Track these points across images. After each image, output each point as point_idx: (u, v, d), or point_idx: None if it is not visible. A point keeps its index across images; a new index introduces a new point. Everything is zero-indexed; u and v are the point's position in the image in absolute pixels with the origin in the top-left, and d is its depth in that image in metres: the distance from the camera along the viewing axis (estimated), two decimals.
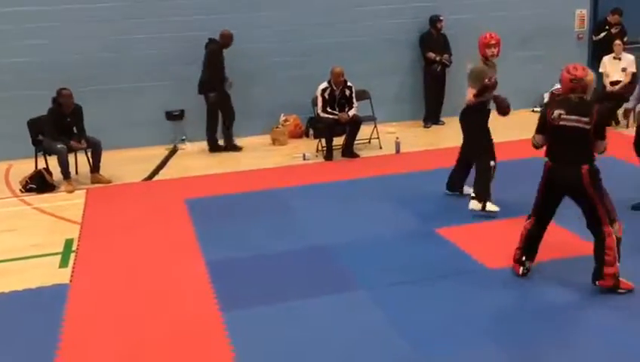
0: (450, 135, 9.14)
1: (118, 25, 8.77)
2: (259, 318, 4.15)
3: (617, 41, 9.19)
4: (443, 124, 9.75)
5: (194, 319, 4.18)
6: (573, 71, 4.22)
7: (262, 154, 8.56)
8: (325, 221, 5.84)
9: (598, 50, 9.81)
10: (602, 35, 9.92)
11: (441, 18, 9.42)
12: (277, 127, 9.12)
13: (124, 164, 8.06)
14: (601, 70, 9.19)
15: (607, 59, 9.15)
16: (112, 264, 5.14)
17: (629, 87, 8.94)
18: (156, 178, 7.67)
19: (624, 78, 8.95)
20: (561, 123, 4.18)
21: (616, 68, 9.05)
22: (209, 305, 4.35)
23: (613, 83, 8.97)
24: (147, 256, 5.27)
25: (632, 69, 9.05)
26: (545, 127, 4.34)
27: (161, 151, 8.73)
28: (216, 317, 4.18)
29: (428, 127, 9.68)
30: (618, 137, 8.51)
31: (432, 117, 9.74)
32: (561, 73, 4.32)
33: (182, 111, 9.04)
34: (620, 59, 9.06)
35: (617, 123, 9.02)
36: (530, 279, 4.47)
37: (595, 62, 9.83)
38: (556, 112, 4.20)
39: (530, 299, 4.22)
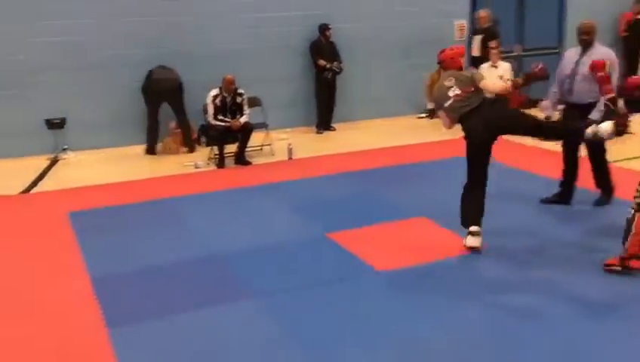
0: (341, 140, 9.33)
1: None
2: (148, 333, 4.00)
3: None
4: (334, 129, 9.93)
5: (78, 338, 3.96)
6: None
7: (152, 163, 8.32)
8: (218, 229, 5.75)
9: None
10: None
11: (330, 27, 9.59)
12: (167, 136, 8.89)
13: (1, 176, 7.54)
14: None
15: (485, 67, 9.66)
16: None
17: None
18: (35, 190, 7.23)
19: None
20: None
21: (493, 75, 9.56)
22: (94, 322, 4.14)
23: None
24: (26, 273, 4.95)
25: (508, 76, 9.61)
26: None
27: (42, 162, 8.25)
28: (102, 334, 3.99)
29: (320, 133, 9.82)
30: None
31: (323, 123, 9.90)
32: None
33: (63, 120, 8.59)
34: (496, 67, 9.60)
35: None
36: (417, 281, 4.62)
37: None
38: None
39: (417, 299, 4.36)
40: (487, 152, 5.02)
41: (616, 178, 6.04)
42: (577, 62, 5.72)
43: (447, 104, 5.06)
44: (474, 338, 3.86)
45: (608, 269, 4.57)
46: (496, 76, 9.55)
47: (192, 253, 5.20)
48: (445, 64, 5.30)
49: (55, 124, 8.55)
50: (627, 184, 5.10)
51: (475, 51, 10.03)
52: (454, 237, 5.32)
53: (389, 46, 10.40)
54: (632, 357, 3.65)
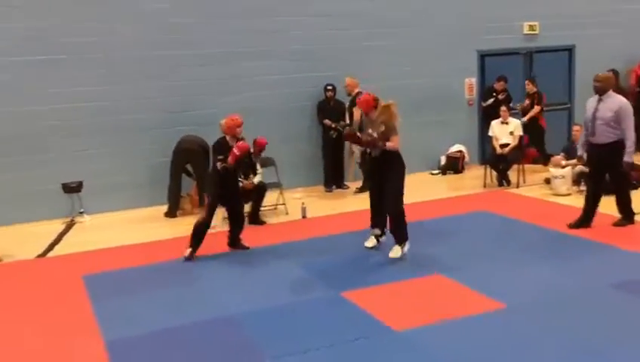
0: (354, 198, 9.36)
1: (11, 97, 8.48)
2: None
3: (503, 107, 9.84)
4: (347, 187, 9.96)
5: None
6: None
7: (165, 224, 8.36)
8: (231, 290, 5.73)
9: (487, 115, 10.47)
10: (490, 101, 10.63)
11: (329, 88, 9.78)
12: (182, 196, 8.97)
13: (18, 241, 7.62)
14: (490, 134, 9.78)
15: (495, 124, 9.76)
16: (3, 348, 4.76)
17: (517, 149, 9.57)
18: (51, 254, 7.27)
19: (512, 141, 9.55)
20: None
21: (504, 131, 9.66)
22: None
23: (502, 145, 9.54)
24: (41, 338, 4.93)
25: (519, 132, 9.69)
26: None
27: (58, 226, 8.33)
28: None
29: (330, 191, 9.85)
30: (508, 196, 9.02)
31: (332, 181, 9.93)
32: None
33: (80, 183, 8.72)
34: (507, 123, 9.68)
35: (509, 183, 9.55)
36: (438, 340, 4.54)
37: (484, 126, 10.48)
38: None
39: (437, 359, 4.28)
40: None
41: None
42: (596, 108, 6.78)
43: None
44: None
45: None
46: (507, 132, 9.65)
47: (205, 315, 5.16)
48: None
49: (72, 188, 8.67)
50: None
51: (347, 118, 9.67)
52: (472, 294, 5.26)
53: (401, 104, 10.52)
54: None
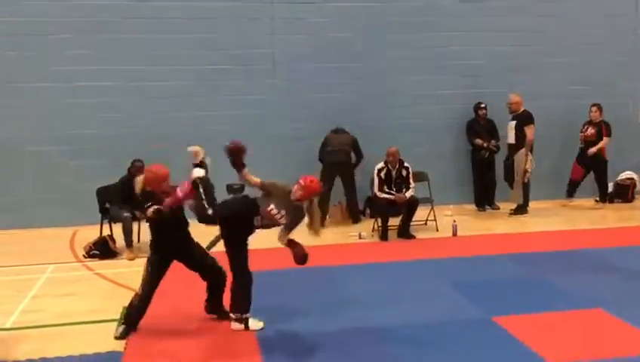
0: (507, 220, 9.01)
1: (187, 101, 9.27)
2: None
3: None
4: (498, 208, 9.62)
5: None
6: None
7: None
8: (377, 301, 5.75)
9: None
10: None
11: (482, 105, 9.50)
12: (334, 205, 9.19)
13: None
14: None
15: None
16: (166, 332, 5.19)
17: None
18: (213, 250, 7.76)
19: None
20: None
21: None
22: None
23: None
24: (200, 325, 5.32)
25: None
26: None
27: None
28: None
29: (483, 211, 9.59)
30: None
31: (483, 201, 9.65)
32: None
33: (242, 186, 9.24)
34: None
35: None
36: None
37: None
38: None
39: None
40: None
41: None
42: None
43: None
44: None
45: None
46: None
47: (351, 323, 5.23)
48: None
49: (235, 189, 9.21)
50: None
51: (511, 138, 9.21)
52: (636, 332, 4.85)
53: (566, 125, 10.05)
54: None
